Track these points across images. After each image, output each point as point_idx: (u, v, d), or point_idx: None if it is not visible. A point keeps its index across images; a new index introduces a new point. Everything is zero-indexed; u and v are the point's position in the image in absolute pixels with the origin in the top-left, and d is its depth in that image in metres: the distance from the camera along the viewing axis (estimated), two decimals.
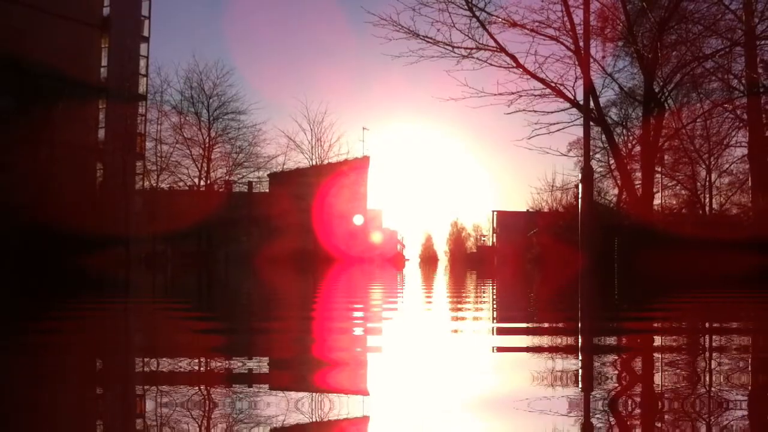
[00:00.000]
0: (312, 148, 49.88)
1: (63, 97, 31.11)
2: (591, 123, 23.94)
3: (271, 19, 73.11)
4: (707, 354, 3.67)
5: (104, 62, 37.65)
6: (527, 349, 3.74)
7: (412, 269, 29.27)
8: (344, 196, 47.84)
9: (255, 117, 51.89)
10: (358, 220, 50.85)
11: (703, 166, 34.49)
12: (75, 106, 32.34)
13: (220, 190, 46.75)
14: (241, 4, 72.06)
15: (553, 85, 23.89)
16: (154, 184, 44.08)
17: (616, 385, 2.79)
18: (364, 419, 2.19)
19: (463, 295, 9.40)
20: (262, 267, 27.95)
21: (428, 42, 23.53)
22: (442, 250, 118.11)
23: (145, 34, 41.16)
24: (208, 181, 46.60)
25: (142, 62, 41.20)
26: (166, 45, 74.35)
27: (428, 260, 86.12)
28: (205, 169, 46.61)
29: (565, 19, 23.75)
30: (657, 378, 3.01)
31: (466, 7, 23.42)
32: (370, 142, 46.55)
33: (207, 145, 46.65)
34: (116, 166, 37.34)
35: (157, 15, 48.89)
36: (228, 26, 70.77)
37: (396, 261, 53.76)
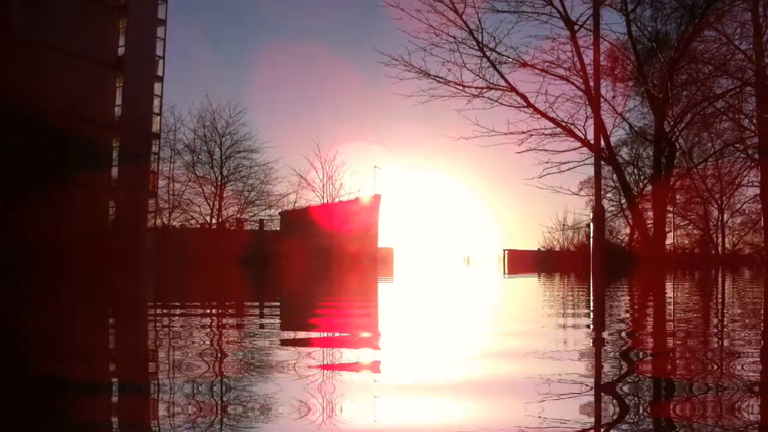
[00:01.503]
0: (323, 186, 50.01)
1: (76, 136, 31.38)
2: (602, 162, 23.93)
3: (283, 60, 74.01)
4: None
5: (118, 101, 38.00)
6: None
7: None
8: (355, 235, 47.77)
9: (267, 155, 52.08)
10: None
11: (715, 206, 34.40)
12: (88, 144, 32.63)
13: (232, 228, 46.83)
14: (255, 45, 72.80)
15: (563, 124, 24.00)
16: (166, 222, 44.29)
17: None
18: None
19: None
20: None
21: (439, 81, 23.73)
22: None
23: (159, 73, 41.58)
24: (220, 219, 46.72)
25: (156, 101, 41.59)
26: (180, 84, 74.99)
27: None
28: (217, 207, 46.80)
29: (575, 59, 23.93)
30: None
31: (476, 47, 23.66)
32: (382, 180, 46.36)
33: (219, 184, 46.87)
34: (129, 205, 37.54)
35: (172, 54, 49.60)
36: (241, 67, 71.42)
37: None
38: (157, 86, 41.58)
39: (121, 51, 37.98)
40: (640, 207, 27.64)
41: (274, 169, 48.21)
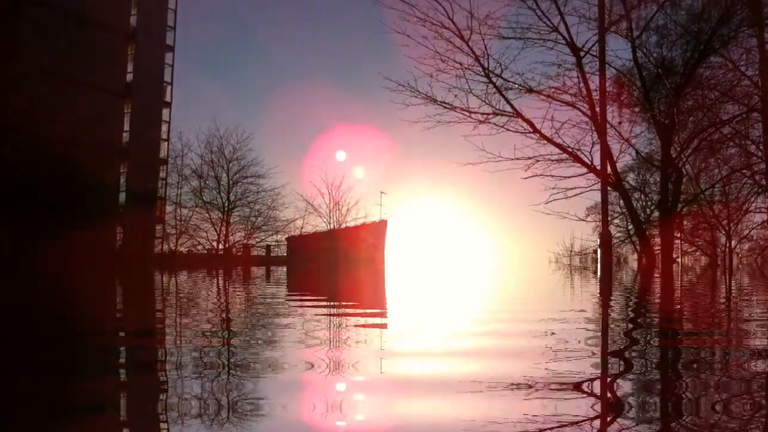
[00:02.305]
0: (330, 211, 50.09)
1: (84, 162, 31.53)
2: (609, 188, 23.89)
3: (289, 86, 74.54)
4: None
5: (126, 127, 38.22)
6: None
7: None
8: (362, 260, 47.69)
9: (274, 181, 52.33)
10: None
11: (723, 232, 34.25)
12: (96, 170, 32.77)
13: (239, 254, 46.91)
14: (263, 71, 73.27)
15: (570, 150, 23.99)
16: (173, 248, 44.32)
17: None
18: None
19: None
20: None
21: (446, 107, 23.79)
22: None
23: (167, 99, 41.84)
24: (227, 245, 46.76)
25: (164, 127, 41.81)
26: (188, 110, 75.35)
27: None
28: (224, 232, 46.88)
29: (581, 85, 23.97)
30: None
31: (482, 73, 23.73)
32: (388, 205, 46.40)
33: (226, 209, 46.99)
34: (136, 231, 37.61)
35: (180, 81, 49.86)
36: (249, 91, 71.79)
37: None
38: (165, 112, 41.83)
39: (129, 77, 38.26)
40: (647, 233, 27.55)
41: (281, 194, 48.41)
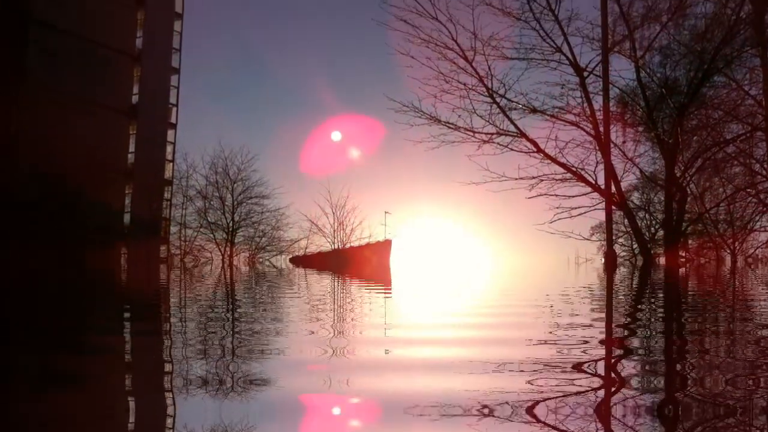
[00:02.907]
0: (334, 231, 50.09)
1: (90, 183, 31.66)
2: (613, 207, 23.90)
3: (293, 109, 75.05)
4: None
5: (132, 148, 38.33)
6: None
7: None
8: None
9: (278, 201, 52.39)
10: None
11: (728, 251, 34.16)
12: (101, 191, 32.90)
13: None
14: (266, 92, 73.58)
15: (574, 169, 24.03)
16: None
17: None
18: None
19: None
20: None
21: (450, 127, 23.90)
22: None
23: (173, 120, 41.98)
24: (231, 265, 46.75)
25: (169, 148, 41.92)
26: (193, 130, 75.55)
27: None
28: (228, 253, 46.89)
29: (585, 105, 24.07)
30: None
31: (486, 94, 23.86)
32: (393, 225, 46.36)
33: (230, 230, 47.05)
34: (141, 251, 37.62)
35: (185, 102, 50.07)
36: (254, 113, 72.06)
37: None
38: (170, 133, 41.94)
39: (135, 99, 38.42)
40: (652, 252, 27.50)
41: (285, 214, 48.43)
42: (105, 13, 35.18)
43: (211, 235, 46.87)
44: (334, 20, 74.86)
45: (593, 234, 30.17)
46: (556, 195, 24.12)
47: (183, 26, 42.55)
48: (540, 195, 24.10)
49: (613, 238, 24.82)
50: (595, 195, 24.06)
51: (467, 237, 55.75)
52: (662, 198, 27.31)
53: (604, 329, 4.01)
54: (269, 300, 6.78)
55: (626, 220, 27.57)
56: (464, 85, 23.80)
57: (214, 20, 74.08)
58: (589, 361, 2.71)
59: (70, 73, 32.57)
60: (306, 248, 48.79)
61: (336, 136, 49.88)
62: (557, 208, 24.10)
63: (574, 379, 2.33)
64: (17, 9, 30.78)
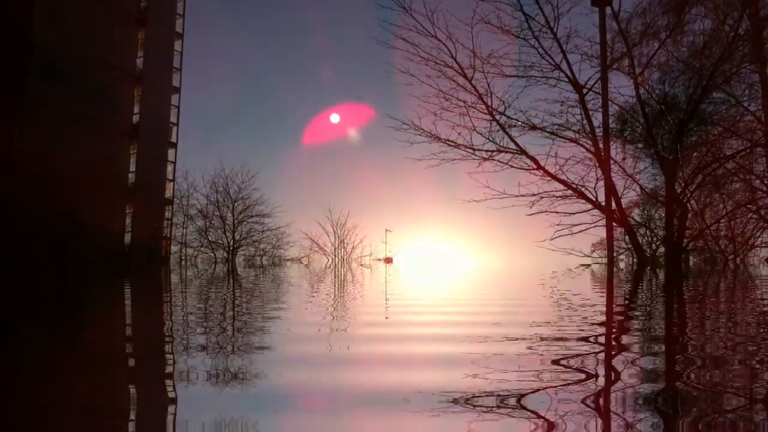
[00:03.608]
0: (335, 250, 50.11)
1: (90, 202, 31.67)
2: (614, 224, 23.87)
3: (293, 124, 75.28)
4: None
5: (132, 167, 38.40)
6: None
7: None
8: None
9: (279, 220, 52.44)
10: None
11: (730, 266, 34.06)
12: (102, 210, 32.91)
13: None
14: (267, 111, 73.87)
15: (574, 186, 24.01)
16: None
17: None
18: None
19: None
20: None
21: (449, 145, 23.91)
22: None
23: (173, 139, 42.09)
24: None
25: (170, 167, 42.00)
26: (194, 149, 75.72)
27: None
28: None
29: (585, 122, 24.08)
30: None
31: (486, 111, 23.88)
32: (393, 243, 46.40)
33: (231, 248, 47.02)
34: (141, 270, 37.53)
35: (186, 121, 50.17)
36: (254, 132, 72.28)
37: None
38: (170, 152, 42.03)
39: (135, 118, 38.53)
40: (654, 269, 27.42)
41: (286, 233, 48.48)
42: (106, 33, 35.39)
43: (212, 255, 46.83)
44: (336, 36, 75.24)
45: (594, 251, 30.20)
46: (557, 212, 24.11)
47: (183, 46, 42.78)
48: (540, 212, 24.08)
49: (615, 254, 24.75)
50: (596, 212, 24.03)
51: (466, 253, 55.70)
52: (663, 214, 27.25)
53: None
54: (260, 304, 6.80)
55: (627, 237, 27.52)
56: (464, 102, 23.85)
57: (215, 40, 74.39)
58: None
59: (71, 93, 32.67)
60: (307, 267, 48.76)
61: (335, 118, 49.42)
62: (558, 224, 24.09)
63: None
64: (19, 28, 30.94)
